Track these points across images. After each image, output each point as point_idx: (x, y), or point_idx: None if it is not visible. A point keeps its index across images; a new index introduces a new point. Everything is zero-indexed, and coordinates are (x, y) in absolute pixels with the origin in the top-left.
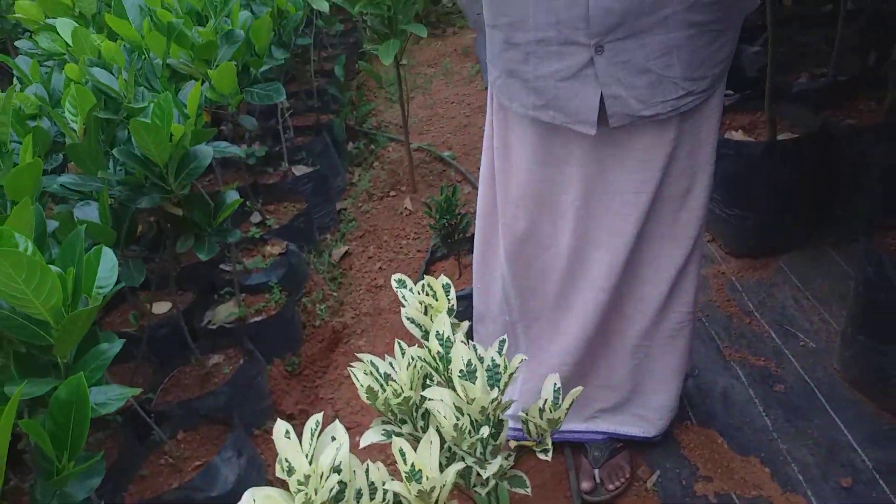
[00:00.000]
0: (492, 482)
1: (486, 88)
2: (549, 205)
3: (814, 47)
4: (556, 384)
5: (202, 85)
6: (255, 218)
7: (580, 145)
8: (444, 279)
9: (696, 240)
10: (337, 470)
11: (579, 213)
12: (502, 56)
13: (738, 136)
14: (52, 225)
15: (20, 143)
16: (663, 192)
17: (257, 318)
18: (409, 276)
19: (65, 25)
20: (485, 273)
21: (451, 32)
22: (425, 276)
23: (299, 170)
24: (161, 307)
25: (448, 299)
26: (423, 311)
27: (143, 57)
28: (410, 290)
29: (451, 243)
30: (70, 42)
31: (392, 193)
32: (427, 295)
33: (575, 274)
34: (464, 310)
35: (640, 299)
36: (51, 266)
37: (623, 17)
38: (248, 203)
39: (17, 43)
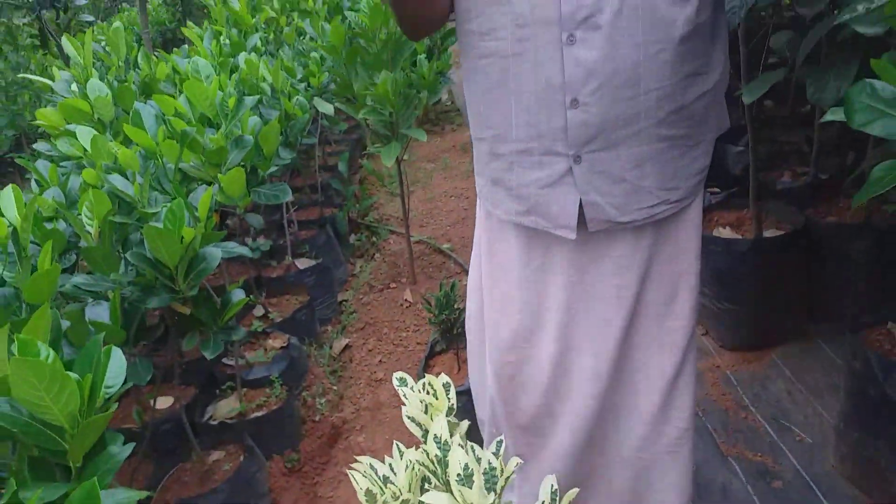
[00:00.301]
0: None
1: None
2: (532, 313)
3: (795, 147)
4: (553, 486)
5: (212, 188)
6: (258, 311)
7: (561, 253)
8: (444, 378)
9: (686, 350)
10: None
11: (563, 321)
12: (488, 166)
13: (726, 232)
14: (63, 324)
15: (37, 245)
16: (645, 297)
17: (258, 413)
18: (408, 369)
19: (85, 133)
20: (480, 380)
21: (450, 129)
22: (426, 375)
23: (302, 263)
24: (164, 402)
25: (448, 398)
26: (423, 409)
27: (157, 162)
28: (411, 388)
29: (451, 338)
30: (89, 148)
31: (392, 285)
32: (427, 394)
33: (559, 383)
34: (463, 406)
35: (635, 409)
36: (69, 373)
37: (598, 131)
38: (251, 296)
39: (35, 145)
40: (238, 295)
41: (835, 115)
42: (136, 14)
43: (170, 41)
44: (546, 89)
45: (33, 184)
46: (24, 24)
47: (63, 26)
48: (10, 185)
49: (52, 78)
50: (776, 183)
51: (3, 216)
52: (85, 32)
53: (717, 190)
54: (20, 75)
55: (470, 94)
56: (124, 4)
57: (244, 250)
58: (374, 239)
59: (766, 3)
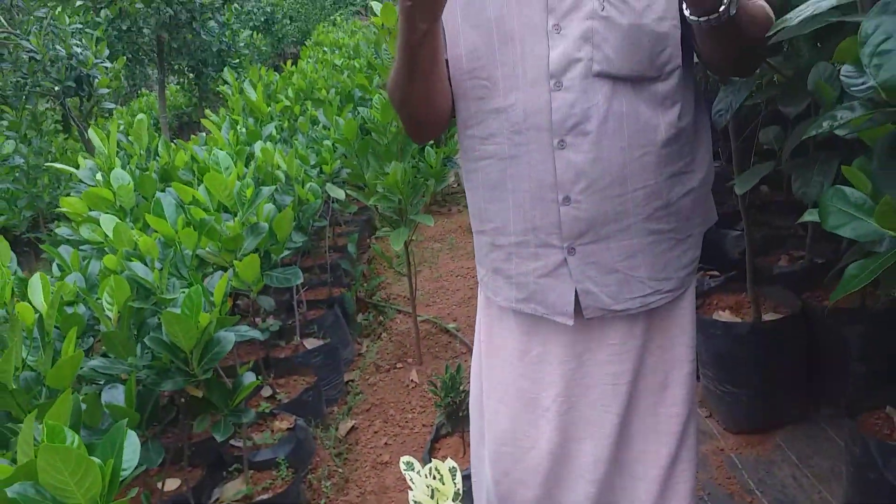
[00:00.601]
0: None
1: None
2: (530, 402)
3: (791, 232)
4: None
5: (228, 273)
6: (266, 391)
7: (558, 341)
8: (450, 462)
9: (682, 437)
10: None
11: (561, 409)
12: (488, 256)
13: (725, 315)
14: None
15: (56, 328)
16: (640, 384)
17: (264, 497)
18: (413, 452)
19: (108, 221)
20: (480, 469)
21: (457, 210)
22: (432, 458)
23: (310, 343)
24: (171, 483)
25: (454, 483)
26: (430, 494)
27: (176, 249)
28: (418, 472)
29: (456, 420)
30: (111, 235)
31: (399, 365)
32: (434, 478)
33: (560, 472)
34: (468, 490)
35: (636, 498)
36: (92, 457)
37: (590, 225)
38: (259, 376)
39: (57, 230)
40: (249, 378)
41: (812, 216)
42: (153, 99)
43: (185, 125)
44: (540, 188)
45: (54, 267)
46: (46, 110)
47: (85, 112)
48: (39, 273)
49: (75, 164)
50: (773, 267)
51: (30, 303)
52: (106, 118)
53: (716, 273)
54: (48, 164)
55: (471, 191)
56: (143, 90)
57: (256, 333)
58: (381, 318)
59: (752, 103)
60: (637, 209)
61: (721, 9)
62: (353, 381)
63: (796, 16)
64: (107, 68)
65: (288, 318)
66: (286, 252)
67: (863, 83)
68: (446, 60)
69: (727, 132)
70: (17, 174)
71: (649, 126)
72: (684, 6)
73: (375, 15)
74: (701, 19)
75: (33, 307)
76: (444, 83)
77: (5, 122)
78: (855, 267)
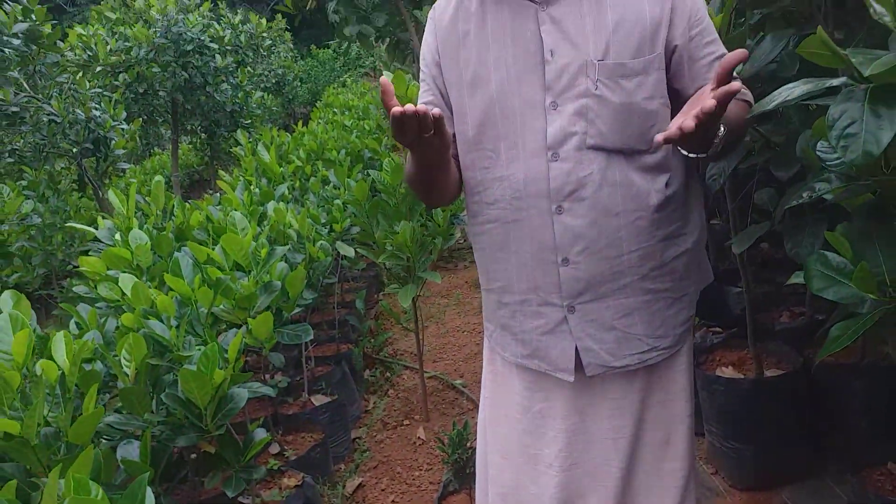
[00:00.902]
0: None
1: None
2: (533, 458)
3: (791, 288)
4: None
5: (241, 331)
6: (274, 448)
7: (561, 397)
8: None
9: (685, 490)
10: None
11: (564, 465)
12: (496, 313)
13: (728, 372)
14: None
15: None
16: (642, 439)
17: None
18: None
19: (126, 280)
20: None
21: (463, 266)
22: None
23: (318, 399)
24: None
25: None
26: None
27: (192, 307)
28: None
29: (463, 477)
30: (129, 294)
31: (406, 422)
32: None
33: None
34: None
35: None
36: None
37: (588, 285)
38: (268, 433)
39: (74, 288)
40: (260, 434)
41: (797, 278)
42: (166, 158)
43: (196, 182)
44: (541, 250)
45: (72, 324)
46: (63, 169)
47: (101, 172)
48: (63, 332)
49: (88, 222)
50: (775, 324)
51: (53, 360)
52: (120, 177)
53: (718, 330)
54: (68, 224)
55: (478, 251)
56: (156, 149)
57: (268, 390)
58: (388, 375)
59: (748, 165)
60: (633, 270)
61: (710, 150)
62: (360, 438)
63: (771, 100)
64: (123, 130)
65: (296, 375)
66: (297, 309)
67: (836, 158)
68: (453, 134)
69: (724, 193)
70: (32, 232)
71: (641, 193)
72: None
73: None
74: (691, 155)
75: (56, 364)
76: (453, 173)
77: (24, 182)
78: (838, 328)
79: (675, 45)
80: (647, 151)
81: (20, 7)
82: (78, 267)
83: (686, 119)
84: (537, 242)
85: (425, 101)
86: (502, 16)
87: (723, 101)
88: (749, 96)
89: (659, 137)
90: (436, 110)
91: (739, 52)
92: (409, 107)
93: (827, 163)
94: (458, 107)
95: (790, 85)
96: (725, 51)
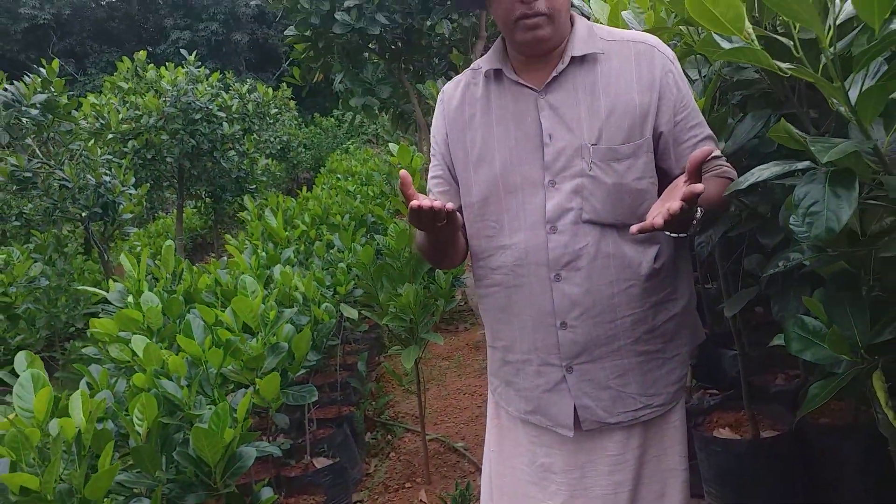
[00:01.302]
0: None
1: None
2: None
3: (786, 351)
4: None
5: (250, 391)
6: None
7: (562, 452)
8: None
9: None
10: None
11: None
12: (501, 370)
13: (725, 433)
14: None
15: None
16: (639, 493)
17: None
18: None
19: (139, 341)
20: None
21: (464, 329)
22: None
23: (320, 462)
24: None
25: None
26: None
27: (202, 368)
28: None
29: None
30: (141, 355)
31: (407, 485)
32: None
33: None
34: None
35: None
36: None
37: (584, 347)
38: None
39: (84, 350)
40: (266, 493)
41: (779, 340)
42: (169, 221)
43: (199, 245)
44: (541, 314)
45: (82, 384)
46: (69, 232)
47: (107, 236)
48: (80, 391)
49: (92, 284)
50: (770, 386)
51: (71, 418)
52: (125, 240)
53: (715, 392)
54: (80, 287)
55: (484, 312)
56: (160, 213)
57: (275, 449)
58: (389, 437)
59: (737, 232)
60: (626, 333)
61: (689, 230)
62: (361, 501)
63: (745, 180)
64: (131, 195)
65: (298, 437)
66: (302, 371)
67: (804, 232)
68: (460, 206)
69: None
70: (38, 295)
71: (633, 263)
72: None
73: (392, 155)
74: (672, 235)
75: (73, 422)
76: (461, 243)
77: (31, 245)
78: (816, 387)
79: (661, 131)
80: None
81: (39, 79)
82: (81, 329)
83: (656, 217)
84: (537, 307)
85: (435, 174)
86: (505, 101)
87: (689, 201)
88: (731, 172)
89: (633, 229)
90: (449, 204)
91: (703, 151)
92: (426, 202)
93: (798, 235)
94: (464, 181)
95: (763, 166)
96: (710, 132)
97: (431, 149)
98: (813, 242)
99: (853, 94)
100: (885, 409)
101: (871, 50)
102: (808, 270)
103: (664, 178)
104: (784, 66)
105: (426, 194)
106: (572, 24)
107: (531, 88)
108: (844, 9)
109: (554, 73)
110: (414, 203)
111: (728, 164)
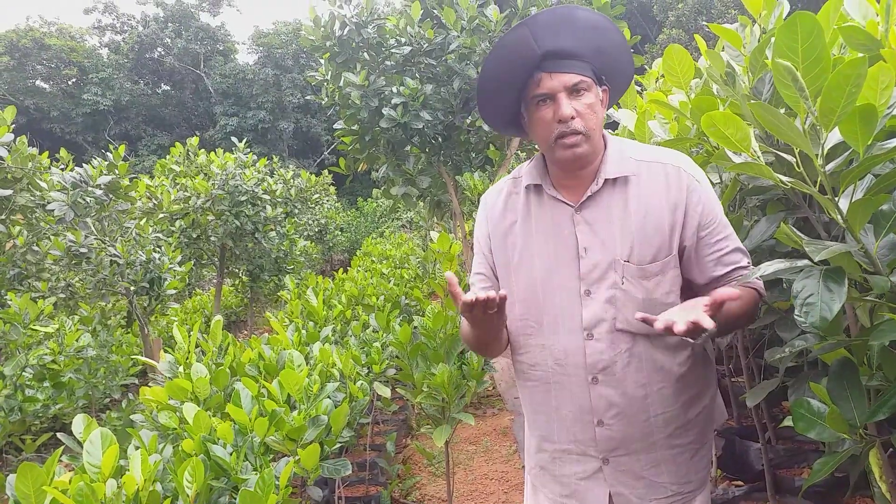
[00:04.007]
0: None
1: (523, 467)
2: None
3: (814, 445)
4: None
5: (293, 461)
6: None
7: None
8: None
9: None
10: None
11: None
12: (537, 455)
13: None
14: None
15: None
16: None
17: None
18: None
19: (190, 409)
20: None
21: (492, 413)
22: None
23: None
24: None
25: None
26: None
27: (247, 436)
28: None
29: None
30: (191, 422)
31: None
32: None
33: None
34: None
35: None
36: None
37: (620, 443)
38: None
39: (132, 417)
40: None
41: (788, 422)
42: (206, 298)
43: (233, 323)
44: (580, 411)
45: (130, 449)
46: (112, 305)
47: (149, 311)
48: (140, 451)
49: (129, 355)
50: (795, 479)
51: (133, 476)
52: (165, 315)
53: (740, 484)
54: (133, 356)
55: (523, 400)
56: (197, 289)
57: None
58: None
59: (757, 326)
60: (659, 430)
61: (699, 339)
62: None
63: (752, 274)
64: (176, 272)
65: None
66: (336, 446)
67: (802, 320)
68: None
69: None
70: (80, 365)
71: (664, 367)
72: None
73: (432, 241)
74: (689, 339)
75: (136, 479)
76: (503, 335)
77: (76, 316)
78: (819, 463)
79: (685, 245)
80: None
81: (106, 163)
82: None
83: (678, 323)
84: (576, 405)
85: (479, 271)
86: (544, 213)
87: (691, 332)
88: (758, 284)
89: (659, 326)
90: (502, 292)
91: (727, 293)
92: (482, 294)
93: (801, 324)
94: (504, 282)
95: (768, 263)
96: (737, 245)
97: (474, 247)
98: (810, 330)
99: (845, 205)
100: (880, 482)
101: (855, 170)
102: (823, 363)
103: (687, 287)
104: (786, 179)
105: (463, 275)
106: (605, 143)
107: (568, 204)
108: (835, 133)
109: (588, 193)
110: (470, 297)
111: (758, 277)
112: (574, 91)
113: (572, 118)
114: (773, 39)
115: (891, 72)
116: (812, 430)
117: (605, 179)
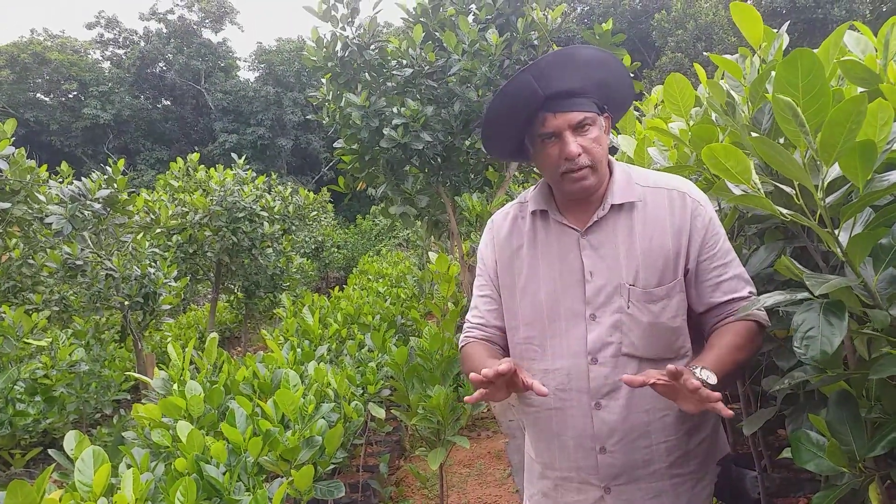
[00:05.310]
0: None
1: (517, 491)
2: None
3: (809, 475)
4: None
5: (286, 482)
6: None
7: None
8: None
9: None
10: None
11: None
12: (538, 482)
13: None
14: None
15: None
16: None
17: None
18: None
19: (183, 427)
20: None
21: (486, 436)
22: None
23: None
24: None
25: None
26: None
27: (241, 455)
28: None
29: None
30: (184, 440)
31: None
32: None
33: None
34: None
35: None
36: None
37: (622, 470)
38: None
39: (124, 434)
40: None
41: (787, 453)
42: (200, 314)
43: (227, 339)
44: (581, 437)
45: (122, 467)
46: (106, 319)
47: (143, 325)
48: (132, 470)
49: (122, 370)
50: None
51: (124, 495)
52: (160, 330)
53: None
54: (127, 373)
55: (527, 428)
56: (192, 305)
57: None
58: None
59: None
60: (661, 458)
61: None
62: None
63: (751, 305)
64: (171, 287)
65: None
66: (330, 467)
67: (802, 353)
68: (503, 327)
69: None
70: (72, 380)
71: None
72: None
73: (430, 262)
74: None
75: (127, 498)
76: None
77: (69, 330)
78: (818, 497)
79: (688, 268)
80: (674, 359)
81: (105, 176)
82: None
83: (689, 378)
84: (578, 430)
85: (483, 293)
86: (550, 237)
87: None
88: (759, 315)
89: (670, 368)
90: (530, 379)
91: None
92: (502, 367)
93: (801, 357)
94: (508, 305)
95: (768, 294)
96: (738, 272)
97: (478, 268)
98: (810, 363)
99: (845, 238)
100: None
101: (855, 205)
102: (821, 392)
103: (689, 311)
104: (786, 212)
105: (460, 296)
106: (611, 169)
107: (574, 229)
108: (835, 167)
109: (595, 218)
110: (487, 373)
111: (760, 308)
112: (579, 127)
113: (579, 155)
114: (773, 73)
115: (890, 108)
116: (811, 463)
117: (612, 205)
